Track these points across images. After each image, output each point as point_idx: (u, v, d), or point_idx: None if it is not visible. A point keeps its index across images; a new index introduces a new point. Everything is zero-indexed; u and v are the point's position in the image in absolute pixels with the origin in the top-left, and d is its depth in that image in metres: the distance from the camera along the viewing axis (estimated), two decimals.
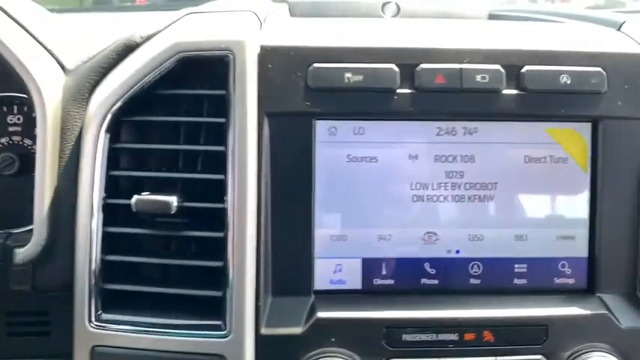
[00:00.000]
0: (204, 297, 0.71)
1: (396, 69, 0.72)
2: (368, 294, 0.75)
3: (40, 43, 0.80)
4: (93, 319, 0.72)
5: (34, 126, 0.78)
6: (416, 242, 0.75)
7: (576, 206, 0.76)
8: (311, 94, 0.72)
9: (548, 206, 0.76)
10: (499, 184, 0.76)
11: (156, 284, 0.73)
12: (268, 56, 0.72)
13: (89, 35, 0.92)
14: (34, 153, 0.76)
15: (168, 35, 0.75)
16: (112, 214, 0.74)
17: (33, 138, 0.84)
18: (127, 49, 0.79)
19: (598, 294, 0.76)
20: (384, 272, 0.75)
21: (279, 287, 0.72)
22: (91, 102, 0.76)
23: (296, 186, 0.73)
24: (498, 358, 0.71)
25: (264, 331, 0.70)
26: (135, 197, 0.70)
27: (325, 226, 0.74)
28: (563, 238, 0.76)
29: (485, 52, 0.74)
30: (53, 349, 0.79)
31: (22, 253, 0.74)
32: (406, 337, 0.71)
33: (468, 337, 0.71)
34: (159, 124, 0.77)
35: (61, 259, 0.74)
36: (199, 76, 0.76)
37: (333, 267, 0.75)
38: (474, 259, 0.76)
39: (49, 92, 0.77)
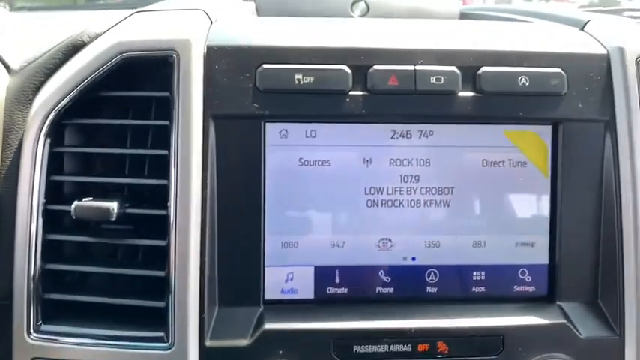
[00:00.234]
0: (149, 307, 0.69)
1: (348, 70, 0.70)
2: (320, 303, 0.72)
3: None
4: (32, 330, 0.69)
5: None
6: (370, 249, 0.73)
7: (536, 212, 0.74)
8: (260, 95, 0.69)
9: (507, 212, 0.74)
10: (456, 188, 0.73)
11: (99, 294, 0.70)
12: (214, 56, 0.69)
13: (41, 35, 0.89)
14: None
15: (112, 35, 0.72)
16: (54, 220, 0.71)
17: None
18: (73, 49, 0.76)
19: (558, 302, 0.73)
20: (337, 280, 0.73)
21: (227, 297, 0.69)
22: (33, 103, 0.73)
23: (244, 191, 0.70)
24: None
25: (208, 342, 0.67)
26: (74, 203, 0.68)
27: (276, 233, 0.71)
28: (522, 244, 0.74)
29: (440, 53, 0.71)
30: None
31: None
32: (357, 349, 0.68)
33: (422, 347, 0.69)
34: (106, 127, 0.75)
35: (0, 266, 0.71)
36: (147, 78, 0.73)
37: (284, 275, 0.72)
38: (430, 267, 0.74)
39: None
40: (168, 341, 0.66)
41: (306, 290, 0.73)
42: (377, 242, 0.73)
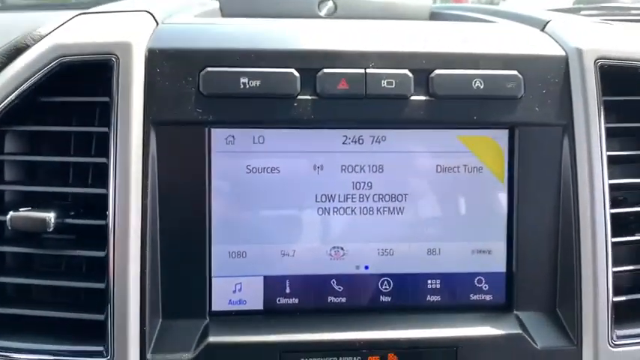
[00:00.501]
0: (90, 321, 0.66)
1: (296, 74, 0.67)
2: (270, 314, 0.70)
3: None
4: None
5: None
6: (322, 258, 0.71)
7: (493, 218, 0.72)
8: (203, 100, 0.66)
9: (463, 218, 0.72)
10: (410, 195, 0.71)
11: (39, 307, 0.68)
12: (156, 60, 0.66)
13: None
14: None
15: (52, 38, 0.70)
16: None
17: None
18: (16, 52, 0.73)
19: (516, 311, 0.71)
20: (287, 291, 0.71)
21: (171, 309, 0.67)
22: None
23: (189, 200, 0.67)
24: None
25: (150, 357, 0.65)
26: (10, 214, 0.65)
27: (223, 243, 0.69)
28: (479, 252, 0.72)
29: (392, 56, 0.69)
30: None
31: None
32: None
33: None
34: (49, 134, 0.72)
35: None
36: (90, 82, 0.70)
37: (232, 286, 0.70)
38: (383, 275, 0.71)
39: None
40: (107, 356, 0.64)
41: (255, 301, 0.70)
42: (328, 251, 0.71)
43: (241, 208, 0.69)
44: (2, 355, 0.66)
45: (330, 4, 1.15)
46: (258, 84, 0.67)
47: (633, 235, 0.74)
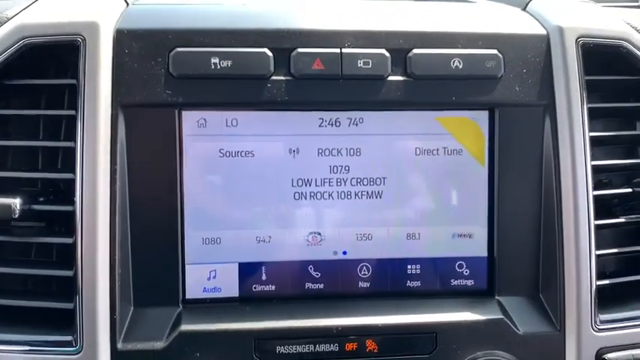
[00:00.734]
0: (60, 310, 0.64)
1: (270, 53, 0.65)
2: (245, 302, 0.68)
3: None
4: None
5: None
6: (299, 244, 0.69)
7: (473, 202, 0.70)
8: (173, 82, 0.64)
9: (443, 202, 0.70)
10: (388, 178, 0.69)
11: (8, 296, 0.66)
12: (124, 41, 0.64)
13: None
14: None
15: (17, 19, 0.67)
16: None
17: None
18: None
19: (497, 297, 0.70)
20: (263, 278, 0.69)
21: (142, 297, 0.65)
22: None
23: (159, 185, 0.65)
24: None
25: (120, 346, 0.63)
26: None
27: (196, 229, 0.67)
28: (459, 236, 0.70)
29: (368, 35, 0.67)
30: None
31: None
32: (280, 349, 0.64)
33: (350, 347, 0.65)
34: (16, 118, 0.70)
35: None
36: (58, 64, 0.68)
37: (206, 273, 0.68)
38: (362, 261, 0.70)
39: None
40: (76, 345, 0.62)
41: (230, 288, 0.68)
42: (306, 236, 0.69)
43: (215, 193, 0.68)
44: None
45: None
46: (229, 64, 0.65)
47: (617, 217, 0.72)
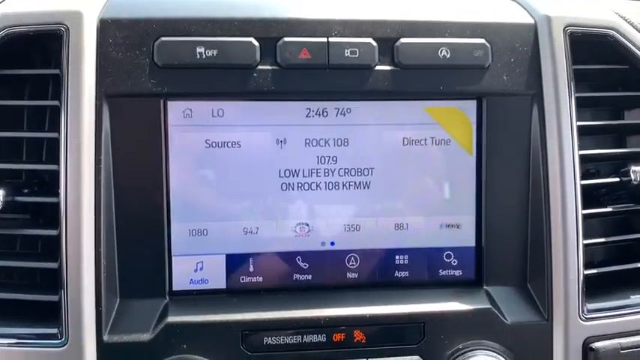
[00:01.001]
0: (46, 302, 0.64)
1: (256, 43, 0.65)
2: (233, 294, 0.68)
3: None
4: None
5: None
6: (286, 235, 0.69)
7: (461, 192, 0.70)
8: (158, 71, 0.64)
9: (431, 192, 0.70)
10: (376, 169, 0.69)
11: None
12: (108, 30, 0.63)
13: None
14: None
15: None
16: None
17: None
18: None
19: (486, 287, 0.70)
20: (251, 269, 0.68)
21: (129, 289, 0.65)
22: None
23: (145, 176, 0.65)
24: None
25: (107, 338, 0.62)
26: None
27: (183, 221, 0.67)
28: (447, 226, 0.70)
29: (355, 24, 0.66)
30: None
31: None
32: (267, 341, 0.64)
33: (337, 337, 0.65)
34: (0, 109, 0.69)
35: None
36: (42, 54, 0.68)
37: (193, 265, 0.68)
38: (350, 252, 0.70)
39: None
40: (61, 338, 0.62)
41: (217, 280, 0.68)
42: (293, 227, 0.69)
43: (201, 184, 0.67)
44: None
45: None
46: (215, 54, 0.64)
47: (605, 207, 0.72)
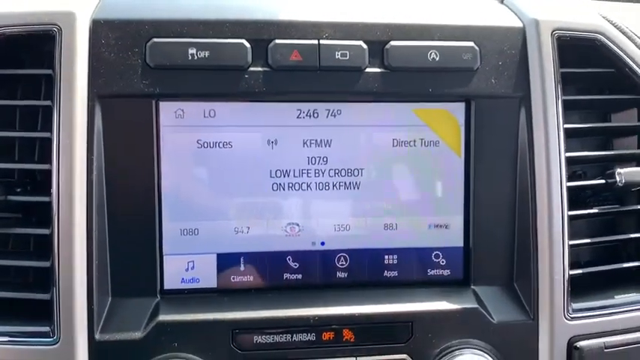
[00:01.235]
0: (37, 301, 0.64)
1: (247, 44, 0.65)
2: (224, 293, 0.69)
3: None
4: None
5: None
6: (277, 235, 0.69)
7: (450, 193, 0.71)
8: (150, 72, 0.64)
9: (420, 193, 0.71)
10: (366, 169, 0.70)
11: None
12: (101, 31, 0.64)
13: None
14: None
15: None
16: None
17: None
18: None
19: (473, 286, 0.71)
20: (242, 268, 0.69)
21: (120, 288, 0.65)
22: None
23: (137, 176, 0.65)
24: (359, 358, 0.66)
25: (98, 336, 0.63)
26: None
27: (174, 220, 0.67)
28: (436, 226, 0.71)
29: (346, 26, 0.67)
30: None
31: None
32: (257, 339, 0.65)
33: (327, 336, 0.66)
34: None
35: None
36: (35, 54, 0.68)
37: (184, 264, 0.68)
38: (340, 251, 0.70)
39: None
40: (53, 336, 0.62)
41: (208, 279, 0.69)
42: (284, 227, 0.69)
43: (193, 184, 0.68)
44: None
45: None
46: (207, 55, 0.65)
47: (591, 208, 0.74)
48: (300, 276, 0.70)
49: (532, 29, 0.70)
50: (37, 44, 0.67)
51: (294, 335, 0.65)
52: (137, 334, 0.63)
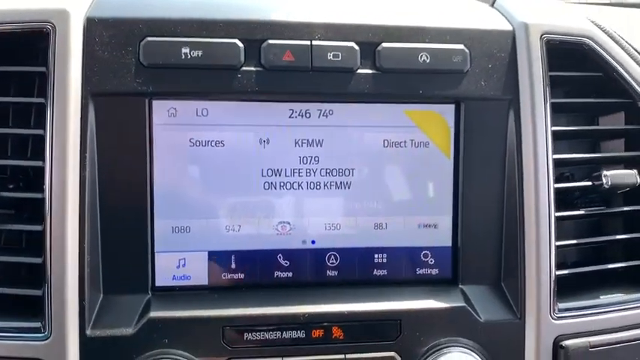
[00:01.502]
0: (29, 296, 0.65)
1: (240, 44, 0.66)
2: (215, 290, 0.69)
3: None
4: None
5: None
6: (268, 233, 0.70)
7: (439, 193, 0.72)
8: (144, 71, 0.65)
9: (409, 193, 0.72)
10: (357, 169, 0.71)
11: None
12: (95, 29, 0.64)
13: None
14: None
15: None
16: None
17: None
18: None
19: (461, 285, 0.72)
20: (233, 266, 0.70)
21: (112, 284, 0.66)
22: None
23: (129, 173, 0.66)
24: (348, 356, 0.67)
25: (89, 332, 0.63)
26: None
27: (166, 217, 0.68)
28: (425, 226, 0.72)
29: (338, 28, 0.68)
30: None
31: None
32: (248, 336, 0.65)
33: (316, 333, 0.67)
34: None
35: None
36: (29, 51, 0.68)
37: (175, 261, 0.69)
38: (330, 250, 0.71)
39: None
40: (45, 332, 0.63)
41: (199, 277, 0.69)
42: (275, 226, 0.70)
43: (184, 182, 0.68)
44: None
45: None
46: (200, 54, 0.65)
47: (577, 209, 0.75)
48: (290, 274, 0.71)
49: (522, 33, 0.71)
50: (31, 42, 0.67)
51: (284, 332, 0.66)
52: (128, 331, 0.64)
